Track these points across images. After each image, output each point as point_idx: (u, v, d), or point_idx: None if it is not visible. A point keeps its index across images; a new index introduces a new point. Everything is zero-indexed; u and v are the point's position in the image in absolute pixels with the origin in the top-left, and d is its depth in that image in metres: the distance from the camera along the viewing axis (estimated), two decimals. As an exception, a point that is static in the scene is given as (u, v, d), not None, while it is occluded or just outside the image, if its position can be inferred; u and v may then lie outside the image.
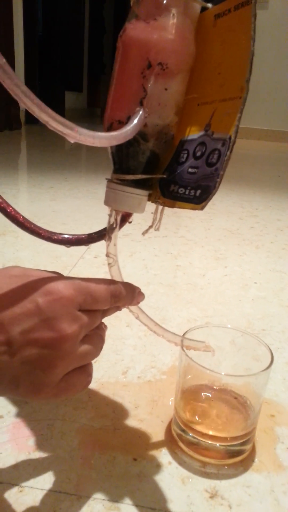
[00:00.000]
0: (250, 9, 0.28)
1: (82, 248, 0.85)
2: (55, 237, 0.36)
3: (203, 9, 0.32)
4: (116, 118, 0.31)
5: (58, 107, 3.71)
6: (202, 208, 0.30)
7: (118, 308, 0.34)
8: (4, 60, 0.21)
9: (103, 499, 0.33)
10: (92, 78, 5.10)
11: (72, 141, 0.25)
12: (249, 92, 0.28)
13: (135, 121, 0.30)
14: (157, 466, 0.37)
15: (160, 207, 0.35)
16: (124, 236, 0.95)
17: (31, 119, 3.01)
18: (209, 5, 0.32)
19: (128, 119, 0.30)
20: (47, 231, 0.36)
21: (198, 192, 0.31)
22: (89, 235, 0.36)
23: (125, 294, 0.32)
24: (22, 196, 1.36)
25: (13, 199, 1.28)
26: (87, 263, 0.80)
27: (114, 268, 0.35)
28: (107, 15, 5.14)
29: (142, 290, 0.35)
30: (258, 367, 0.37)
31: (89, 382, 0.31)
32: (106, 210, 0.34)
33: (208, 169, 0.30)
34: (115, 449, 0.38)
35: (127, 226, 0.37)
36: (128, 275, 0.76)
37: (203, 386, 0.41)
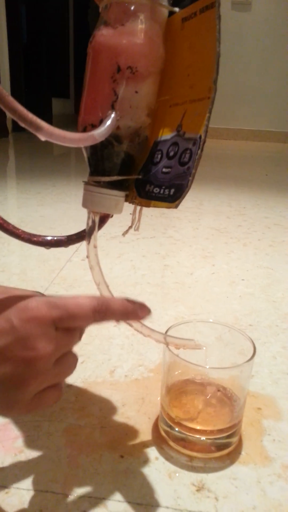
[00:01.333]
0: (214, 12, 0.29)
1: (69, 251, 0.85)
2: (35, 238, 0.36)
3: (171, 13, 0.33)
4: (89, 122, 0.32)
5: (45, 113, 3.71)
6: (176, 206, 0.31)
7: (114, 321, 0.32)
8: None
9: (90, 497, 0.34)
10: (78, 84, 5.10)
11: (43, 139, 0.26)
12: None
13: (107, 123, 0.31)
14: (144, 462, 0.37)
15: (139, 207, 0.36)
16: (112, 238, 0.96)
17: (18, 127, 2.98)
18: (176, 9, 0.33)
19: (101, 122, 0.31)
20: (27, 233, 0.36)
21: (172, 191, 0.31)
22: (68, 236, 0.37)
23: (114, 309, 0.30)
24: (10, 202, 1.37)
25: (0, 206, 1.29)
26: (74, 266, 0.80)
27: (95, 270, 0.36)
28: (92, 21, 5.16)
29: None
30: (244, 361, 0.38)
31: (61, 396, 0.31)
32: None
33: (181, 168, 0.31)
34: (102, 447, 0.39)
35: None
36: (116, 276, 0.77)
37: (188, 381, 0.42)
